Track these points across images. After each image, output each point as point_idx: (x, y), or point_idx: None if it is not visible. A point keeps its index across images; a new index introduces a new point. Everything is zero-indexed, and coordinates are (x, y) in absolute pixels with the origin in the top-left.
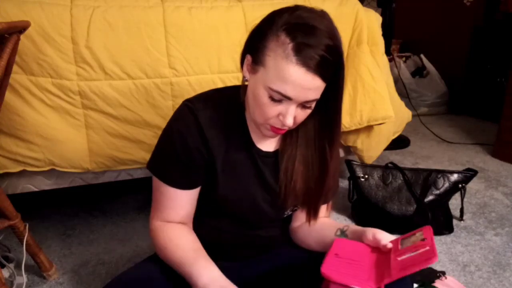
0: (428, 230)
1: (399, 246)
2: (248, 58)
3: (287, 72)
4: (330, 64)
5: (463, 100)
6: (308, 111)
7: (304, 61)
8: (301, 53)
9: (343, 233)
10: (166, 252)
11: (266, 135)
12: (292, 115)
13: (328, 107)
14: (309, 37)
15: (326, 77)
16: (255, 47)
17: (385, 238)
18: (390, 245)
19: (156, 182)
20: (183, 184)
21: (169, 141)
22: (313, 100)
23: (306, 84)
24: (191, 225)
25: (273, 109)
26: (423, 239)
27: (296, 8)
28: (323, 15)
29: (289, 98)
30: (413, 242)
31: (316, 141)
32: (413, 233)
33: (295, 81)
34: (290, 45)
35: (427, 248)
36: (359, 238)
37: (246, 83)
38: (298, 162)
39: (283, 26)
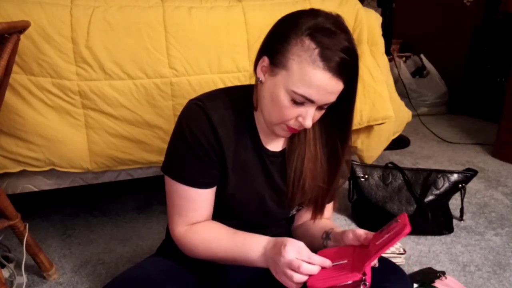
0: (403, 215)
1: (378, 235)
2: (265, 59)
3: (313, 77)
4: (351, 67)
5: (463, 100)
6: (323, 112)
7: (330, 66)
8: (327, 59)
9: (327, 236)
10: (209, 250)
11: (279, 135)
12: (311, 117)
13: (342, 107)
14: (333, 42)
15: (347, 80)
16: (274, 49)
17: (364, 233)
18: (370, 235)
19: (174, 186)
20: (204, 184)
21: (183, 141)
22: (331, 102)
23: (331, 88)
24: None
25: (293, 111)
26: (396, 221)
27: (316, 13)
28: (339, 19)
29: (312, 101)
30: (388, 226)
31: (324, 140)
32: (389, 222)
33: (321, 85)
34: (316, 51)
35: (400, 225)
36: (340, 240)
37: (259, 84)
38: (308, 160)
39: (307, 30)
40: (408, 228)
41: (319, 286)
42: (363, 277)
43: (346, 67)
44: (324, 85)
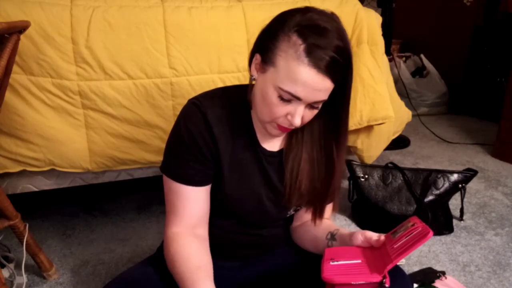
0: (414, 218)
1: (391, 238)
2: (257, 57)
3: (298, 73)
4: (340, 66)
5: (463, 100)
6: (315, 111)
7: (315, 63)
8: (312, 55)
9: (333, 236)
10: (173, 264)
11: (272, 134)
12: (300, 115)
13: (335, 108)
14: (320, 39)
15: (336, 78)
16: (265, 47)
17: (375, 235)
18: (383, 238)
19: (170, 183)
20: (197, 181)
21: (178, 139)
22: (321, 101)
23: (317, 85)
24: (207, 227)
25: (282, 109)
26: (412, 225)
27: (307, 9)
28: (333, 17)
29: (298, 99)
30: (404, 230)
31: (321, 142)
32: (401, 225)
33: (306, 82)
34: (302, 46)
35: (420, 229)
36: (347, 241)
37: (253, 82)
38: (304, 161)
39: (295, 27)
40: (431, 233)
41: (336, 280)
42: (383, 280)
43: (335, 65)
44: (309, 81)
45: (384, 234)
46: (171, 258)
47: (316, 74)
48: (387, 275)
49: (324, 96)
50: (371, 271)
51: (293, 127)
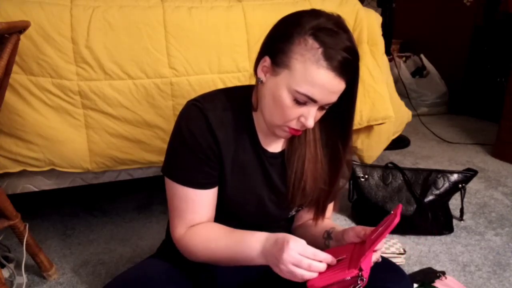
0: (398, 207)
1: (375, 230)
2: (266, 59)
3: (316, 76)
4: (352, 67)
5: (463, 100)
6: (323, 112)
7: (333, 66)
8: (330, 58)
9: (329, 235)
10: (207, 250)
11: (280, 136)
12: (313, 117)
13: (342, 108)
14: (335, 42)
15: (349, 79)
16: (276, 49)
17: (364, 229)
18: (369, 230)
19: (174, 187)
20: (203, 184)
21: (182, 141)
22: (333, 102)
23: (333, 87)
24: None
25: (295, 111)
26: (390, 214)
27: (318, 13)
28: (340, 20)
29: (314, 101)
30: (384, 220)
31: (326, 141)
32: (387, 216)
33: (324, 85)
34: (320, 50)
35: (391, 217)
36: (342, 239)
37: (261, 84)
38: (308, 161)
39: (310, 30)
40: (397, 219)
41: (317, 284)
42: (360, 273)
43: (348, 66)
44: (327, 84)
45: (373, 228)
46: (201, 247)
47: (334, 77)
48: (364, 268)
49: (336, 97)
50: (350, 267)
51: (304, 129)
